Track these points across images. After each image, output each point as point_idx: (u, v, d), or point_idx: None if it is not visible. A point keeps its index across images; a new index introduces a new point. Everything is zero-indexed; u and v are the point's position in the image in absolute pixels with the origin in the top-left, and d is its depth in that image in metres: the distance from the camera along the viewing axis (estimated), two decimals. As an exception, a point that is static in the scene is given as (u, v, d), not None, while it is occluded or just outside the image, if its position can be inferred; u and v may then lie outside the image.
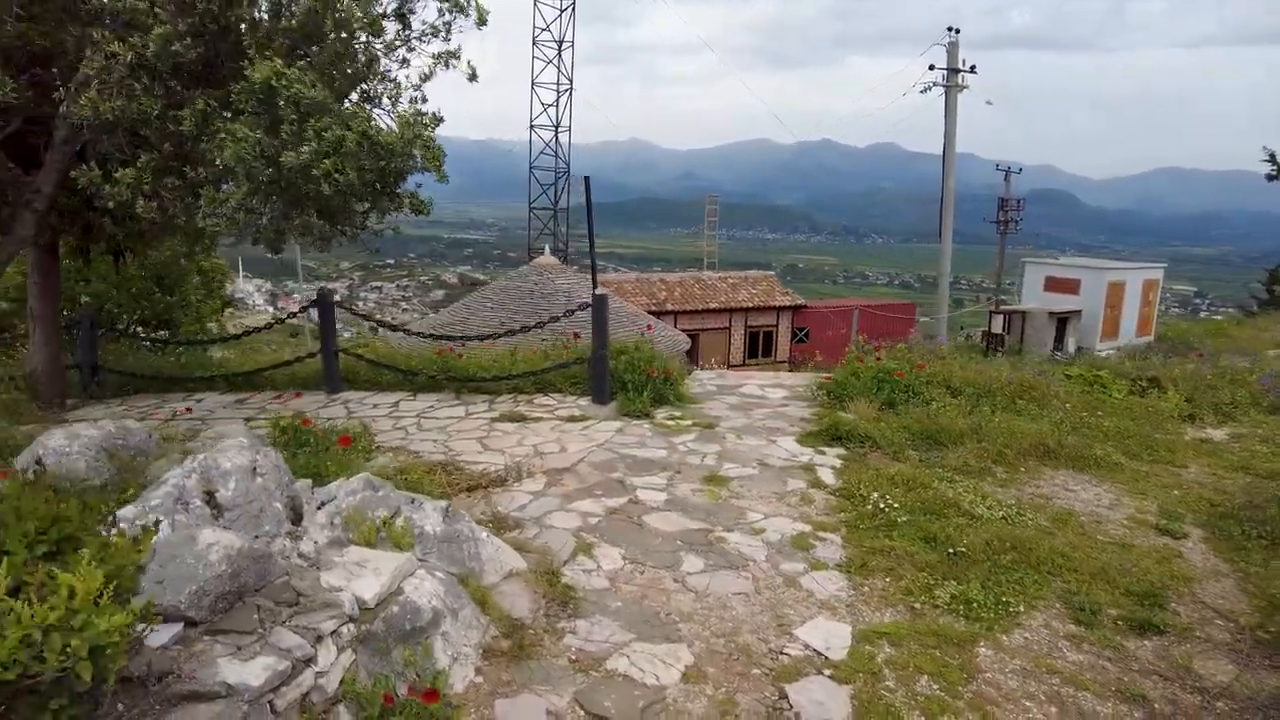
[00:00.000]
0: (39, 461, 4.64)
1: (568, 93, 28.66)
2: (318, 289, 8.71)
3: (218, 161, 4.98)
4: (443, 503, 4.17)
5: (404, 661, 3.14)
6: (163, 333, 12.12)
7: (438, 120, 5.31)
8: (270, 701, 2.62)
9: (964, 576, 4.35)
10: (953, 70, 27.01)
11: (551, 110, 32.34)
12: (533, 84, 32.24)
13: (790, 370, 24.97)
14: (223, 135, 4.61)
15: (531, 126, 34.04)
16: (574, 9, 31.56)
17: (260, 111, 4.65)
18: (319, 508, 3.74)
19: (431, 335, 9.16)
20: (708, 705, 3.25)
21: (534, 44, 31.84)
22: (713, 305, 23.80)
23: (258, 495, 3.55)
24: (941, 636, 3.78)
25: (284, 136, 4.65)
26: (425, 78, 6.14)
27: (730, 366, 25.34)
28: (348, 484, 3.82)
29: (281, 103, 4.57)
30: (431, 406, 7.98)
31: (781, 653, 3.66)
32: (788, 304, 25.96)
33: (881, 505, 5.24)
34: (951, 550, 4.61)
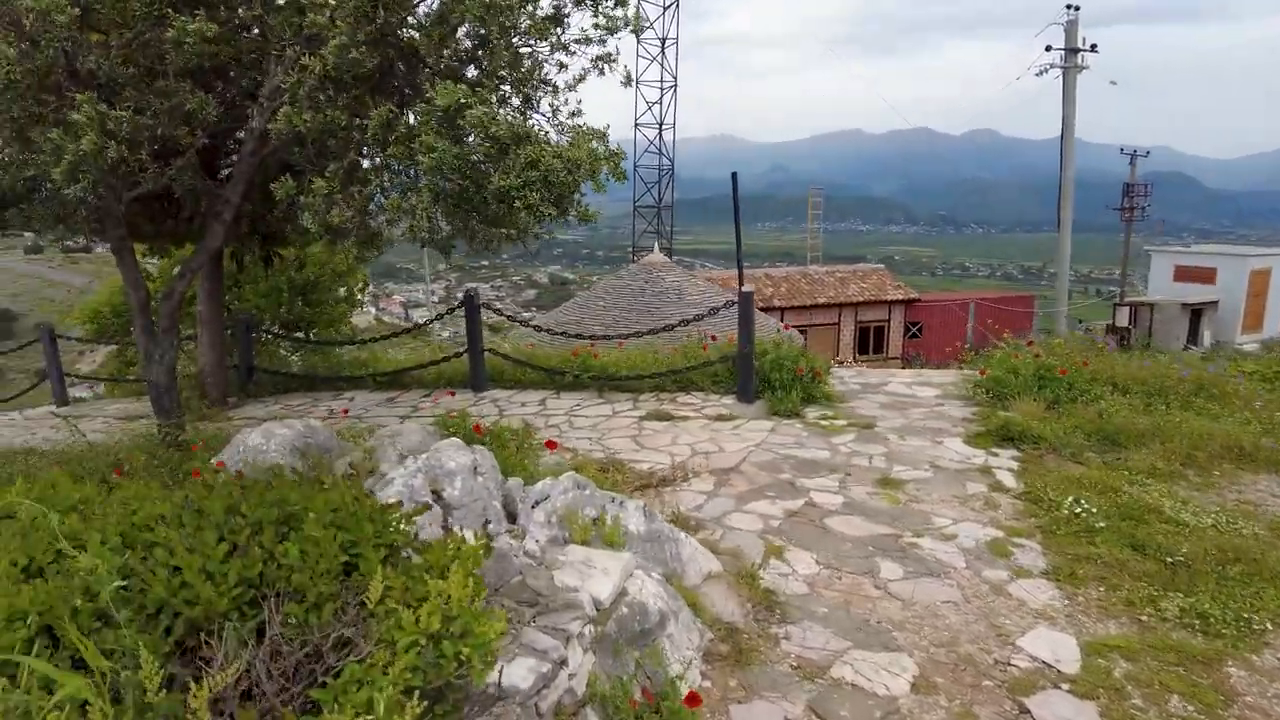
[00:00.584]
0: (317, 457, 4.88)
1: (672, 90, 28.60)
2: (465, 291, 8.94)
3: (411, 171, 5.17)
4: (640, 501, 4.17)
5: (635, 664, 3.14)
6: (298, 334, 12.72)
7: (604, 133, 5.33)
8: (535, 704, 2.65)
9: (1190, 588, 4.07)
10: (1071, 50, 25.65)
11: (655, 108, 32.44)
12: (636, 82, 32.24)
13: (902, 366, 24.28)
14: (417, 147, 4.74)
15: (636, 125, 34.20)
16: (678, 5, 31.51)
17: (446, 133, 4.77)
18: (533, 506, 3.79)
19: (578, 335, 9.27)
20: (945, 718, 3.13)
21: (638, 41, 32.02)
22: (821, 300, 23.36)
23: (480, 494, 3.63)
24: (1182, 653, 3.54)
25: (481, 157, 4.77)
26: (578, 81, 6.20)
27: (840, 364, 24.80)
28: (558, 482, 3.86)
29: (467, 129, 4.68)
30: (577, 404, 8.07)
31: (1009, 664, 3.50)
32: (900, 298, 25.23)
33: (1077, 510, 4.98)
34: (1169, 559, 4.33)
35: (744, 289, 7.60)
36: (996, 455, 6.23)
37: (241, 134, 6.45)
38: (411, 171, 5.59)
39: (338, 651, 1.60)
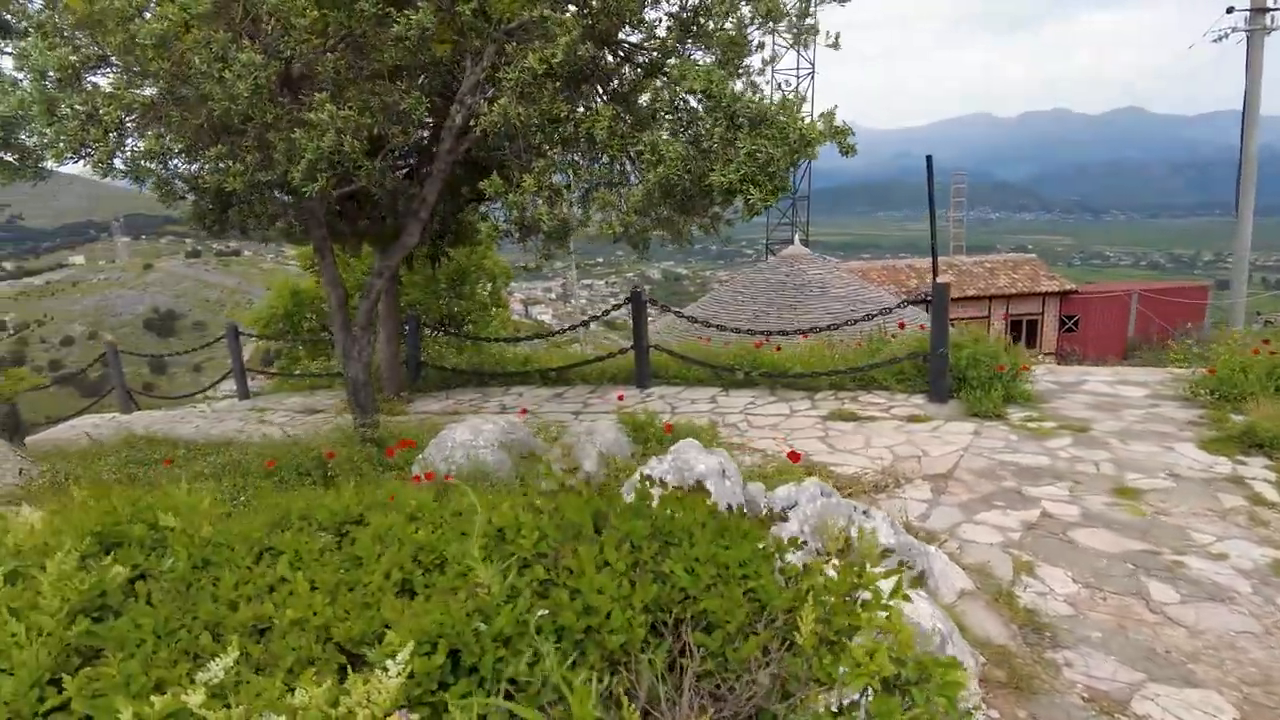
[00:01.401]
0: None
1: (809, 77, 27.92)
2: (631, 288, 8.84)
3: (618, 165, 5.06)
4: (883, 511, 3.88)
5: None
6: (454, 331, 13.03)
7: (831, 113, 5.04)
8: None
9: None
10: (1258, 10, 23.22)
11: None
12: (772, 69, 31.69)
13: (1058, 362, 22.72)
14: (642, 147, 4.60)
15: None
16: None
17: (681, 125, 4.62)
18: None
19: (749, 331, 9.00)
20: (1297, 777, 2.69)
21: (773, 31, 31.27)
22: (969, 292, 22.18)
23: (730, 499, 3.44)
24: None
25: (708, 149, 4.60)
26: (772, 59, 5.93)
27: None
28: (804, 489, 3.62)
29: (711, 110, 4.51)
30: (751, 402, 7.82)
31: (1354, 715, 3.00)
32: (1055, 289, 23.63)
33: (1378, 531, 4.32)
34: None
35: (939, 280, 7.14)
36: (1244, 464, 5.55)
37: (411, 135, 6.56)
38: (617, 165, 5.47)
39: (774, 695, 1.41)
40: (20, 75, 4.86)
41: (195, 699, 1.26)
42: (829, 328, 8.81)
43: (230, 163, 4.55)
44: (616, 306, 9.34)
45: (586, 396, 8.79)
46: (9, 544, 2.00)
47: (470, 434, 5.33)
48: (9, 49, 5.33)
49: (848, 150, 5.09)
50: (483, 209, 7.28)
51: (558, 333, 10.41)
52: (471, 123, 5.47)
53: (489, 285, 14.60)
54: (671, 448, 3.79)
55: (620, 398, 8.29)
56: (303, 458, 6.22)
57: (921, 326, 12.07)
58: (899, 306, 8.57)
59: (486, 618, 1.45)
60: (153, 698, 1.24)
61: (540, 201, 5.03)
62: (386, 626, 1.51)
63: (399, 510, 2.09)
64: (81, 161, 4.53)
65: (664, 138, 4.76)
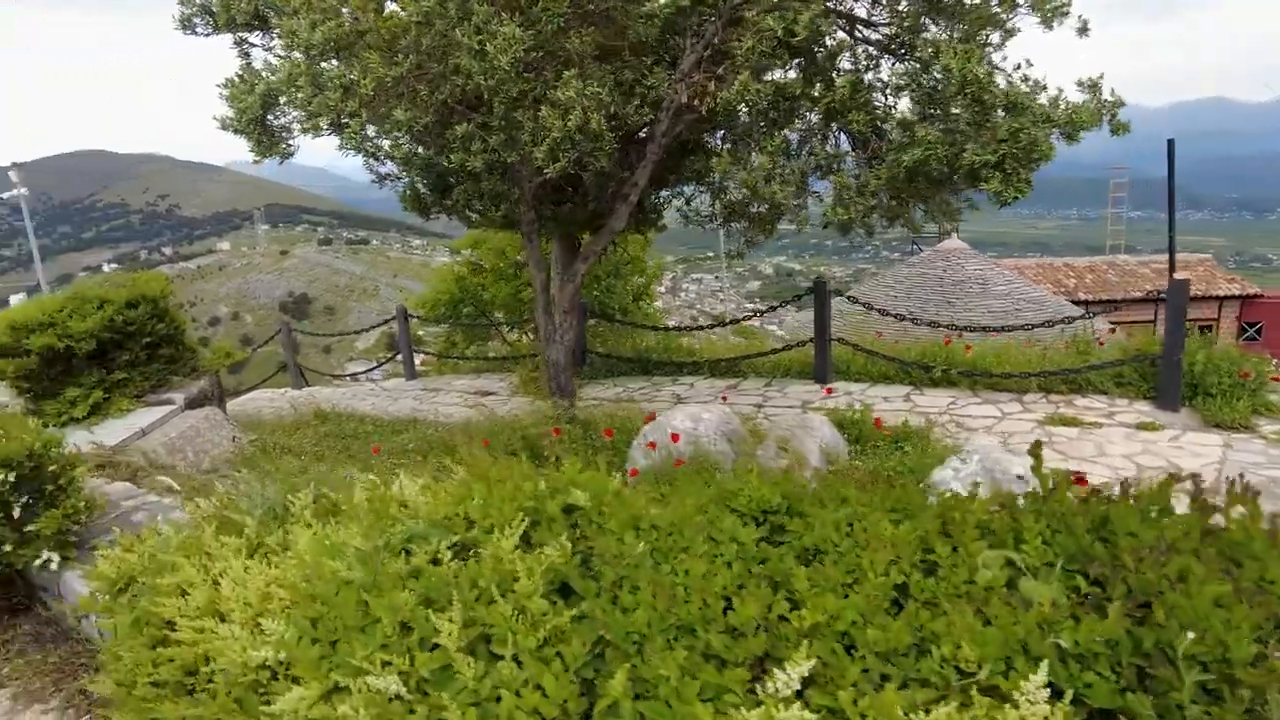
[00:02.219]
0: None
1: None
2: (814, 278, 8.52)
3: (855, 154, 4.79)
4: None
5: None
6: (616, 318, 13.03)
7: (1095, 82, 4.59)
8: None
9: None
10: None
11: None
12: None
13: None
14: (890, 126, 4.31)
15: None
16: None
17: (925, 105, 4.30)
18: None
19: (958, 328, 8.50)
20: None
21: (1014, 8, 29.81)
22: (1135, 294, 20.63)
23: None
24: None
25: (953, 130, 4.27)
26: (1008, 35, 5.48)
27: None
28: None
29: (960, 93, 4.18)
30: (953, 402, 7.37)
31: None
32: (1235, 292, 21.68)
33: None
34: None
35: (1177, 277, 6.51)
36: None
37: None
38: (839, 146, 5.18)
39: None
40: (275, 57, 5.04)
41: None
42: (1025, 327, 8.22)
43: (473, 141, 4.54)
44: (796, 297, 9.02)
45: (763, 389, 8.53)
46: (421, 512, 1.94)
47: (691, 422, 5.18)
48: (259, 42, 5.54)
49: (1119, 129, 4.63)
50: (687, 191, 7.11)
51: (734, 322, 10.19)
52: (695, 101, 5.28)
53: (639, 277, 14.55)
54: (968, 447, 3.49)
55: (784, 389, 8.00)
56: (509, 437, 6.25)
57: (1112, 329, 11.22)
58: (1086, 315, 7.91)
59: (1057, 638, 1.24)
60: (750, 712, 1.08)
61: (773, 182, 4.79)
62: (923, 637, 1.32)
63: (836, 501, 1.90)
64: (335, 135, 4.62)
65: (912, 118, 4.43)
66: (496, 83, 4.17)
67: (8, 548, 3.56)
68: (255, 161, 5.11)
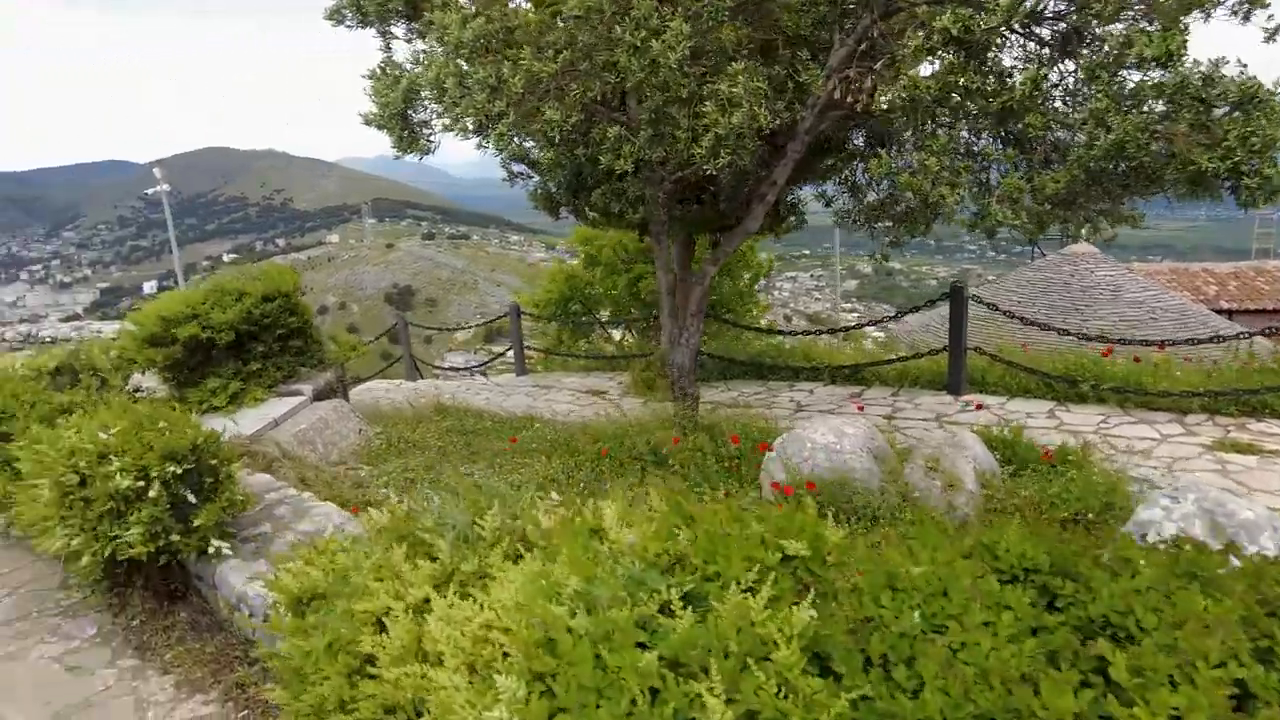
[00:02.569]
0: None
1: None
2: (951, 282, 8.07)
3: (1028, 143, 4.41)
4: None
5: None
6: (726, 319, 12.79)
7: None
8: None
9: None
10: None
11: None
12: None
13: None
14: (1079, 122, 3.93)
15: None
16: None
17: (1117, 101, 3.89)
18: None
19: (1108, 340, 7.91)
20: None
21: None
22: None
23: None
24: None
25: (1148, 126, 3.86)
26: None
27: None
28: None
29: (1163, 85, 3.77)
30: (1103, 421, 6.82)
31: None
32: None
33: None
34: None
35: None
36: None
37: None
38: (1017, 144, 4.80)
39: None
40: (418, 54, 5.03)
41: None
42: (1190, 341, 7.54)
43: (624, 143, 4.40)
44: (931, 303, 8.57)
45: (891, 400, 8.14)
46: (623, 546, 1.79)
47: (833, 436, 4.91)
48: (400, 34, 5.56)
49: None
50: (826, 189, 6.81)
51: (849, 329, 9.83)
52: (846, 97, 4.99)
53: (747, 276, 14.26)
54: (1180, 484, 3.11)
55: (908, 398, 7.58)
56: (634, 441, 6.12)
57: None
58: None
59: None
60: None
61: (940, 185, 4.46)
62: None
63: (1120, 563, 1.63)
64: (476, 137, 4.57)
65: (1105, 113, 4.03)
66: (660, 80, 4.02)
67: (175, 537, 3.62)
68: (397, 157, 5.13)
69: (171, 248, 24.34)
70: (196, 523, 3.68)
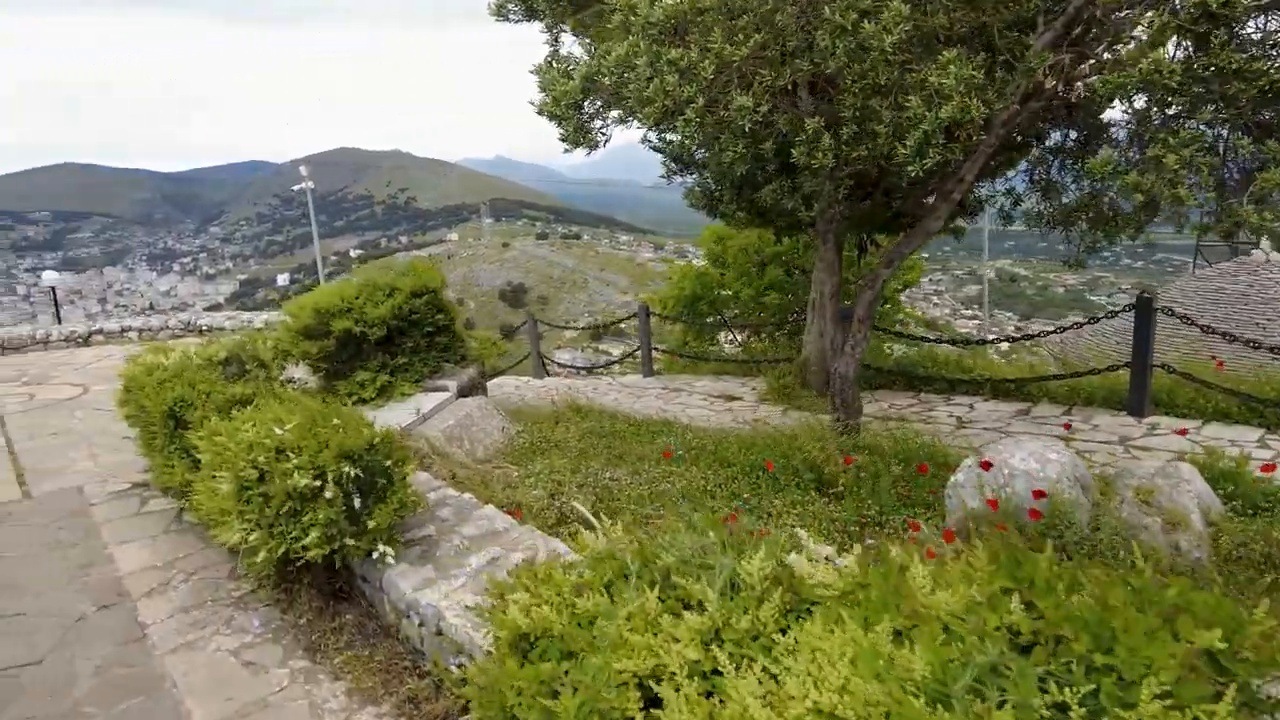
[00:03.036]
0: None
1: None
2: (1139, 292, 7.30)
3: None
4: None
5: None
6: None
7: None
8: None
9: None
10: None
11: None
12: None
13: None
14: None
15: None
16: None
17: None
18: None
19: None
20: None
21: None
22: None
23: None
24: None
25: None
26: None
27: None
28: None
29: None
30: (1333, 454, 5.97)
31: None
32: None
33: None
34: None
35: None
36: None
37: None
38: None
39: None
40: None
41: None
42: None
43: (822, 136, 4.04)
44: (1112, 314, 7.80)
45: (1064, 419, 7.43)
46: (942, 609, 1.45)
47: (1035, 462, 4.38)
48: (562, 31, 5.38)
49: None
50: (1011, 185, 6.23)
51: (1033, 337, 9.08)
52: (1055, 84, 4.45)
53: (895, 282, 13.56)
54: None
55: (1085, 418, 6.84)
56: (789, 454, 5.74)
57: None
58: None
59: None
60: None
61: (1180, 186, 3.88)
62: None
63: None
64: (659, 129, 4.31)
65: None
66: (864, 67, 3.64)
67: (349, 541, 3.51)
68: (566, 150, 4.95)
69: (314, 241, 25.56)
70: (369, 525, 3.57)
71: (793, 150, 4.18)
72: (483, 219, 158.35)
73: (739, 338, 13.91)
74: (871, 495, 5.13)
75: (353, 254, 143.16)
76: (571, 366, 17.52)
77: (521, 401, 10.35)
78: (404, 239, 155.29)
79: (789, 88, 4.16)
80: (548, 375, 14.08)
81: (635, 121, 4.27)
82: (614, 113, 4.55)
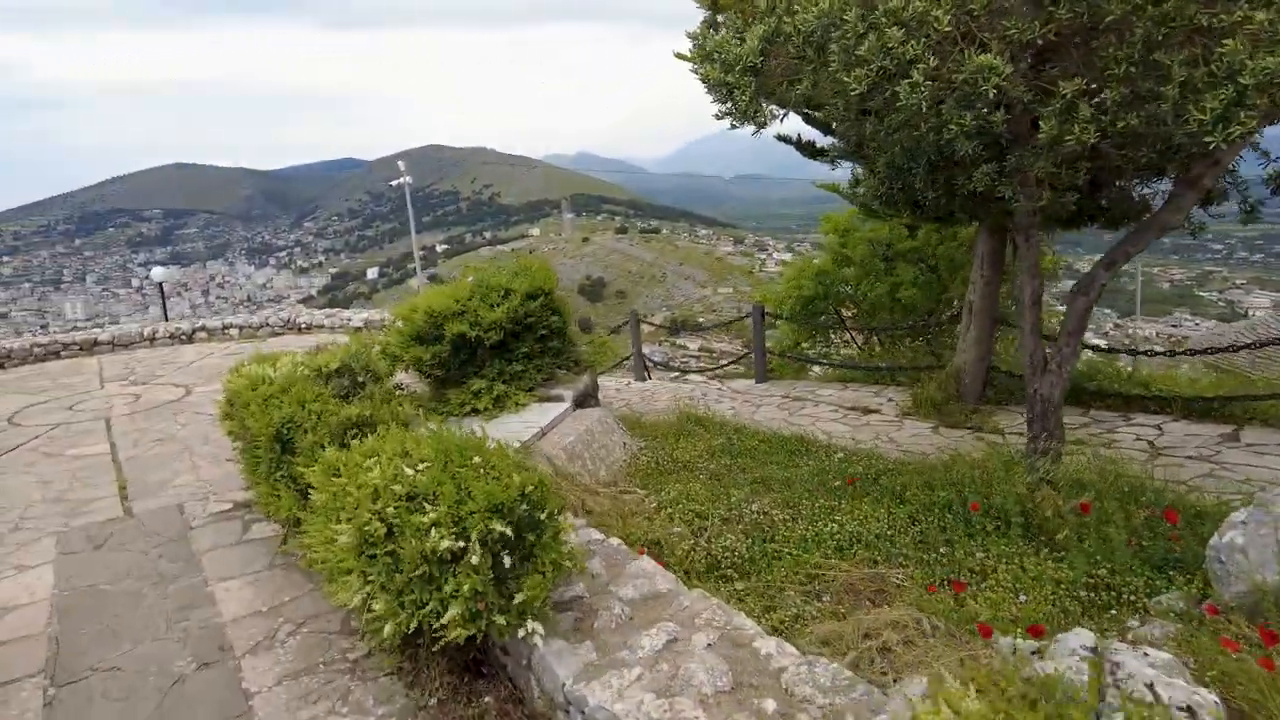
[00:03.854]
0: None
1: None
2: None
3: None
4: None
5: None
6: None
7: None
8: None
9: None
10: None
11: None
12: None
13: None
14: None
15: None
16: None
17: None
18: None
19: None
20: None
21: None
22: None
23: None
24: None
25: None
26: None
27: None
28: None
29: None
30: None
31: None
32: None
33: None
34: None
35: None
36: None
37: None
38: None
39: None
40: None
41: None
42: None
43: (1080, 103, 3.12)
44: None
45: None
46: None
47: (1357, 524, 3.36)
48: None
49: None
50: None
51: (1225, 350, 7.85)
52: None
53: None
54: None
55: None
56: (985, 491, 4.81)
57: None
58: None
59: None
60: None
61: None
62: None
63: None
64: (862, 102, 3.46)
65: None
66: (1164, 9, 2.73)
67: (497, 618, 2.80)
68: (733, 127, 4.16)
69: (410, 234, 25.60)
70: (518, 598, 2.85)
71: (1039, 123, 3.29)
72: (563, 214, 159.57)
73: (857, 341, 12.87)
74: (1100, 549, 4.16)
75: (439, 249, 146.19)
76: (667, 366, 16.73)
77: (627, 408, 9.63)
78: (487, 234, 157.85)
79: (1036, 43, 3.25)
80: (649, 377, 13.35)
81: (826, 93, 3.44)
82: (800, 86, 3.71)
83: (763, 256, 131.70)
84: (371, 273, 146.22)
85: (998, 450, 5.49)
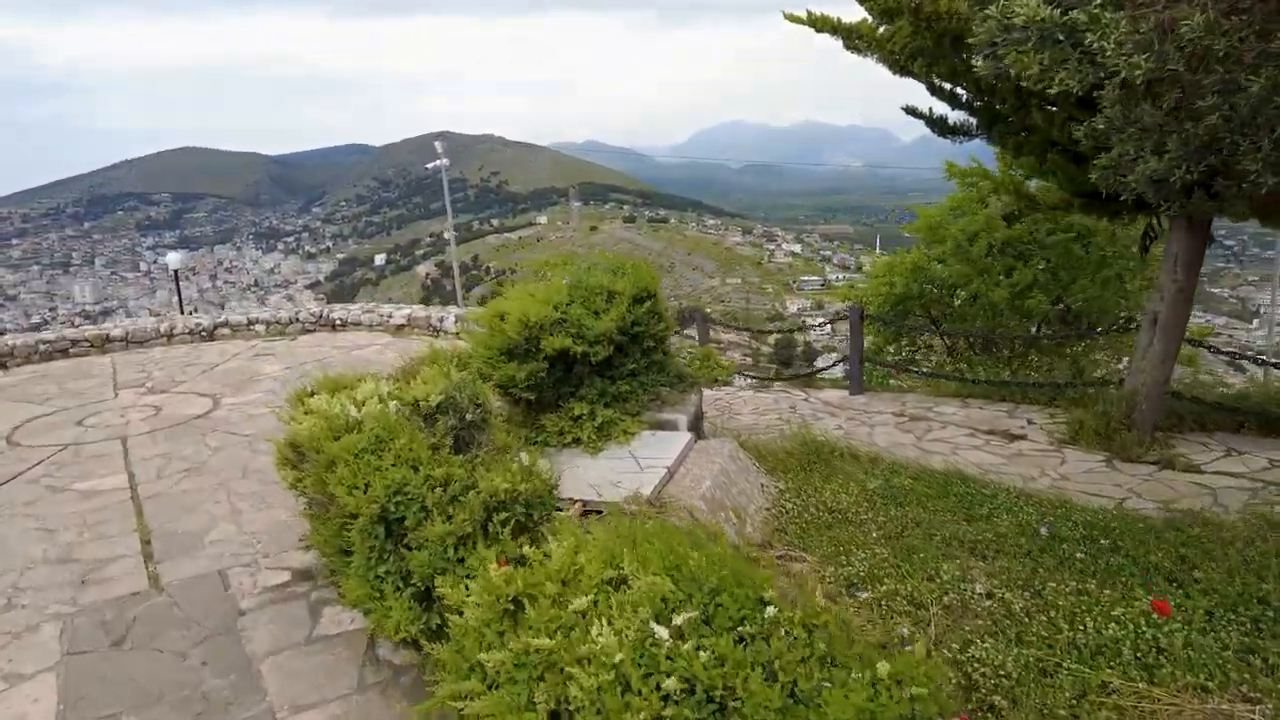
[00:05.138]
0: None
1: None
2: None
3: None
4: None
5: None
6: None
7: None
8: None
9: None
10: None
11: None
12: None
13: None
14: None
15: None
16: None
17: None
18: None
19: None
20: None
21: None
22: None
23: None
24: None
25: None
26: None
27: None
28: None
29: None
30: None
31: None
32: None
33: None
34: None
35: None
36: None
37: None
38: None
39: None
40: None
41: None
42: None
43: None
44: None
45: None
46: None
47: None
48: None
49: None
50: None
51: None
52: None
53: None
54: None
55: None
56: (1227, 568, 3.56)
57: None
58: None
59: None
60: None
61: None
62: None
63: None
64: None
65: None
66: None
67: None
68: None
69: (446, 215, 24.48)
70: None
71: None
72: (571, 202, 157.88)
73: (949, 347, 11.57)
74: None
75: (446, 235, 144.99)
76: (741, 373, 15.47)
77: (715, 428, 8.35)
78: (495, 221, 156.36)
79: None
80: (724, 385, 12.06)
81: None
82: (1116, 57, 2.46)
83: (771, 247, 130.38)
84: (380, 258, 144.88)
85: (1151, 485, 4.20)
